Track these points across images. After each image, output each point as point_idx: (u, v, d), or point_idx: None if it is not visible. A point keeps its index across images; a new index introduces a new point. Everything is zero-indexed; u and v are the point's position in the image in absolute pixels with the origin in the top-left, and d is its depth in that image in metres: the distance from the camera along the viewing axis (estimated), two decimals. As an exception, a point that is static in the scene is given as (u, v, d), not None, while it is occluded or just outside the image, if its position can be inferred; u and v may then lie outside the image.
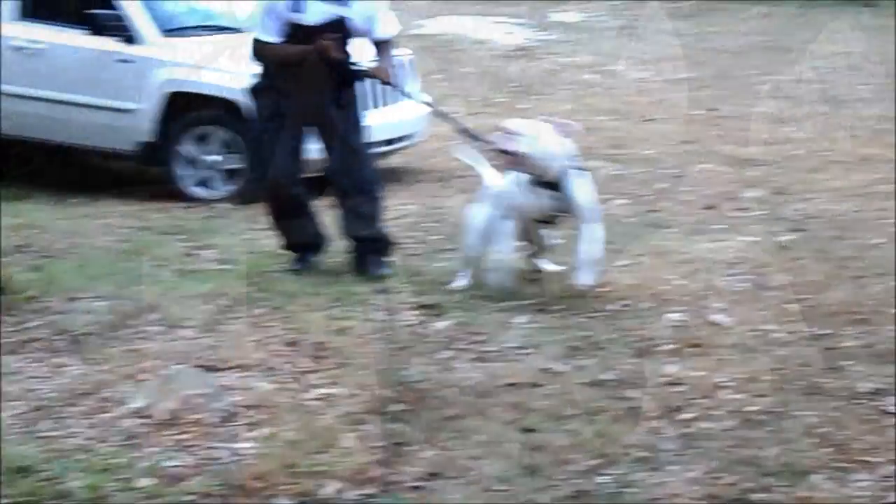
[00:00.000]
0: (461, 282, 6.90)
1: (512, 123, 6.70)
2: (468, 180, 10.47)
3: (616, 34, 20.13)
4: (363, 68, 7.40)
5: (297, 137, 7.29)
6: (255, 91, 7.38)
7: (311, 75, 7.15)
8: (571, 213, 6.63)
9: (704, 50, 18.61)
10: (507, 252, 6.81)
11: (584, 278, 6.51)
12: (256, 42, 7.25)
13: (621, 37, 19.85)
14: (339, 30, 7.16)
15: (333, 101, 7.23)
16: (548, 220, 6.84)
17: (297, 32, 7.12)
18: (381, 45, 7.41)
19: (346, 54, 7.26)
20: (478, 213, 6.96)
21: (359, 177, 7.29)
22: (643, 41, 19.44)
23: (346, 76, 7.27)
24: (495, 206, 6.84)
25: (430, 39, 19.48)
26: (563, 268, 6.84)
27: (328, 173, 7.42)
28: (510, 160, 6.56)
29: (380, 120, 9.51)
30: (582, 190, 6.59)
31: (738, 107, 14.18)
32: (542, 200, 6.66)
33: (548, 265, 7.06)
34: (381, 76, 7.43)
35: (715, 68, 17.07)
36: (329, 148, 7.35)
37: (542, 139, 6.53)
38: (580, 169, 6.60)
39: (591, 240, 6.55)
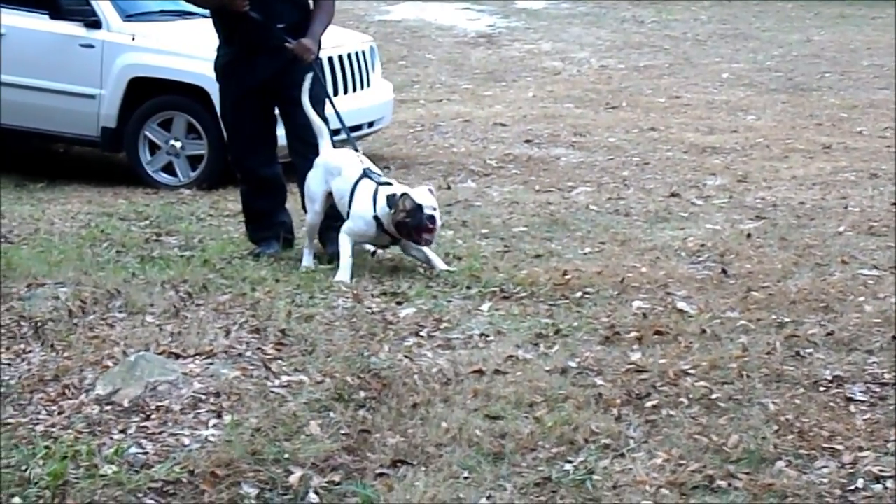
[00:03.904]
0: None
1: None
2: (432, 167, 10.48)
3: (579, 22, 20.17)
4: (285, 38, 7.02)
5: (267, 114, 7.24)
6: (218, 66, 7.33)
7: (256, 40, 7.05)
8: None
9: (666, 38, 18.67)
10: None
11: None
12: None
13: (585, 24, 19.89)
14: None
15: (286, 72, 7.09)
16: None
17: None
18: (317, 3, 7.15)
19: (260, 9, 6.98)
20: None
21: (314, 155, 7.19)
22: (606, 29, 19.49)
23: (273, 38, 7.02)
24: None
25: (394, 26, 19.46)
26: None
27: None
28: None
29: (345, 106, 9.47)
30: None
31: (700, 95, 14.24)
32: None
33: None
34: (301, 53, 7.03)
35: (677, 56, 17.12)
36: (286, 124, 7.30)
37: None
38: None
39: None
